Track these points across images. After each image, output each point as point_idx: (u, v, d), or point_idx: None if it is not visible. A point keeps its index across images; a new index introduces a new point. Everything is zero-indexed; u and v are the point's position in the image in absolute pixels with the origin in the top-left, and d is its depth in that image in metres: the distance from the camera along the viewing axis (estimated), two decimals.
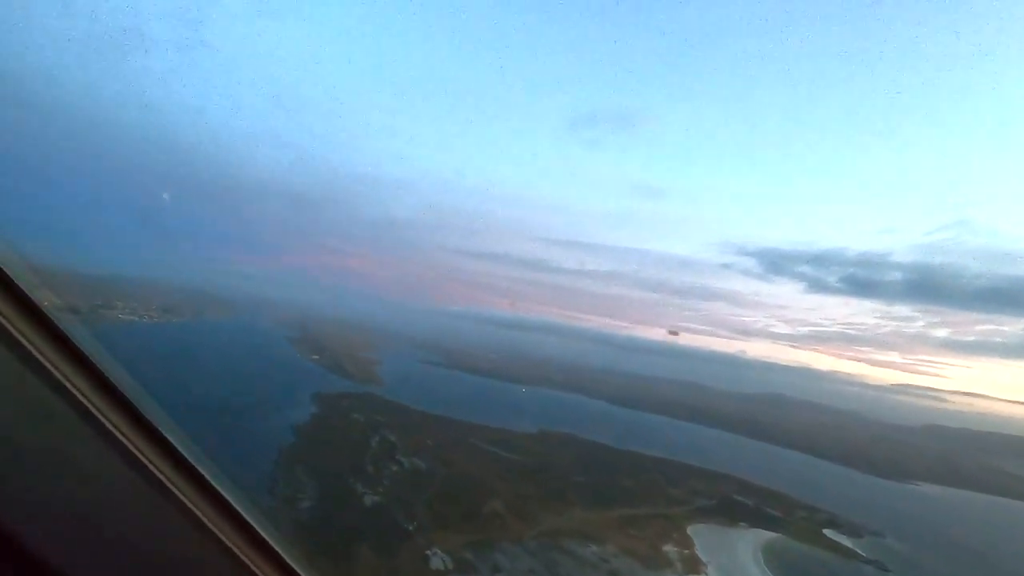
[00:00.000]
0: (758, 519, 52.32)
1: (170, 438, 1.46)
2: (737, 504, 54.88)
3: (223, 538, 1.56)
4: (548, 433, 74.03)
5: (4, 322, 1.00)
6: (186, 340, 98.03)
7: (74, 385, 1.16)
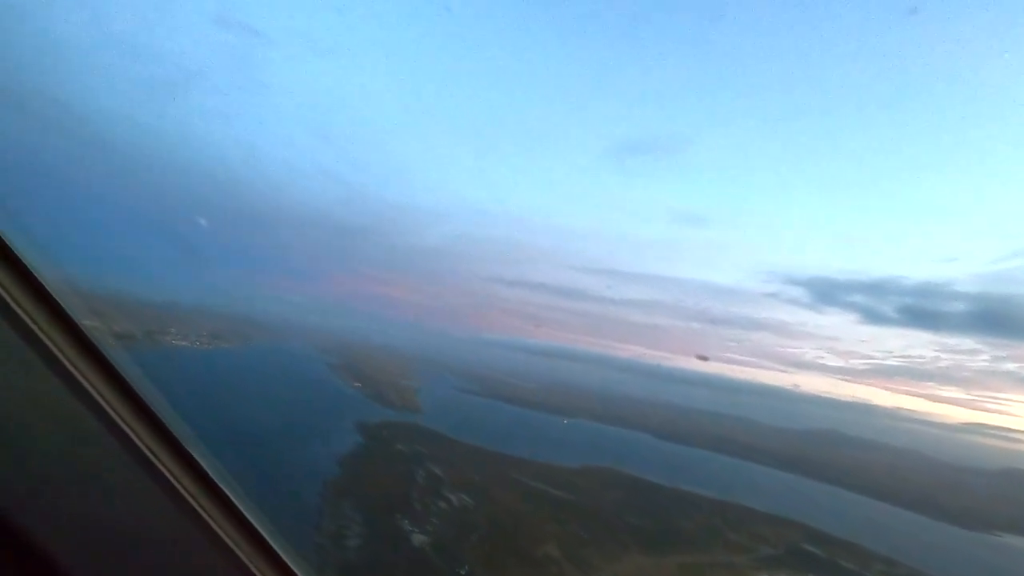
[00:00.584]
0: (832, 572, 47.80)
1: (205, 466, 1.45)
2: (807, 554, 50.38)
3: (248, 564, 1.54)
4: (593, 468, 70.83)
5: (52, 346, 1.00)
6: (234, 366, 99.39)
7: (115, 410, 1.18)
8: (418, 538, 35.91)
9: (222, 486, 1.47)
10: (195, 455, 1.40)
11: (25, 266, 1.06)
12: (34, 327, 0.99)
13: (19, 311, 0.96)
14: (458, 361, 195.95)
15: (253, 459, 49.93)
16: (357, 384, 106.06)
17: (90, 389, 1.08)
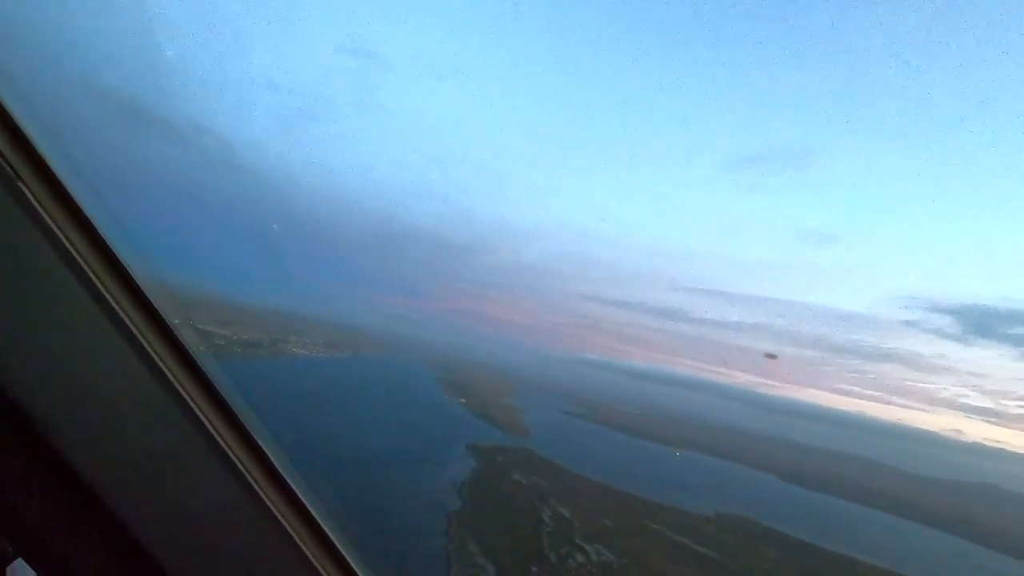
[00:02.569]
0: None
1: (295, 487, 1.43)
2: None
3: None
4: (727, 517, 61.35)
5: (150, 350, 1.05)
6: (347, 376, 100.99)
7: (212, 425, 1.20)
8: None
9: (308, 505, 1.43)
10: (283, 473, 1.36)
11: (129, 273, 1.09)
12: (132, 327, 1.02)
13: (120, 313, 1.00)
14: (559, 382, 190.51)
15: (368, 481, 47.39)
16: (463, 400, 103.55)
17: (184, 394, 1.10)
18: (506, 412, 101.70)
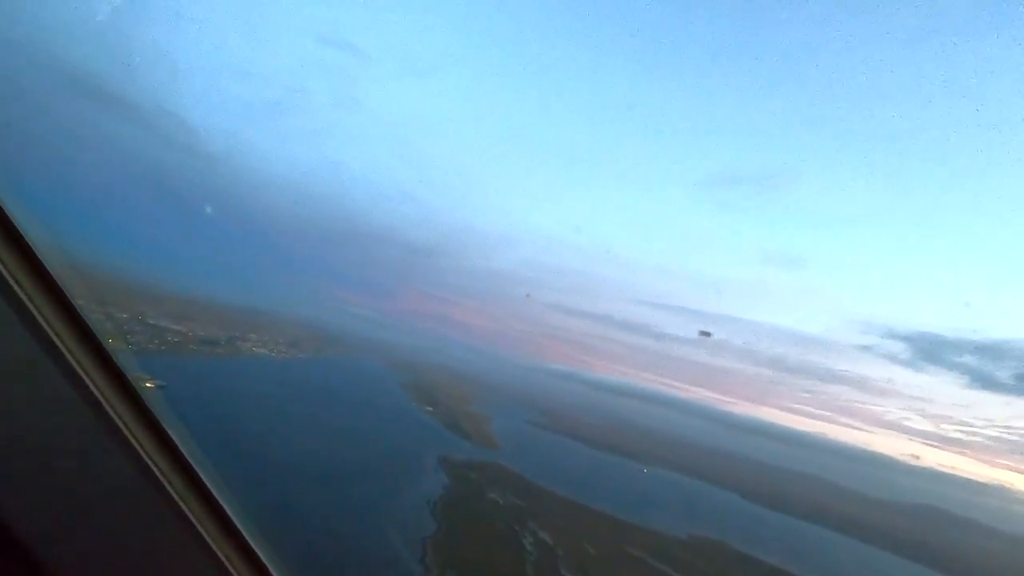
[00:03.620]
0: None
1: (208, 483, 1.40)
2: None
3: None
4: (700, 540, 59.92)
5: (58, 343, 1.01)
6: (310, 379, 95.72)
7: (121, 418, 1.17)
8: None
9: (221, 501, 1.39)
10: (201, 474, 1.34)
11: (45, 268, 1.03)
12: (48, 329, 0.98)
13: (30, 308, 0.96)
14: (521, 390, 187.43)
15: (339, 496, 43.48)
16: (430, 408, 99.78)
17: (99, 395, 1.07)
18: (474, 421, 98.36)
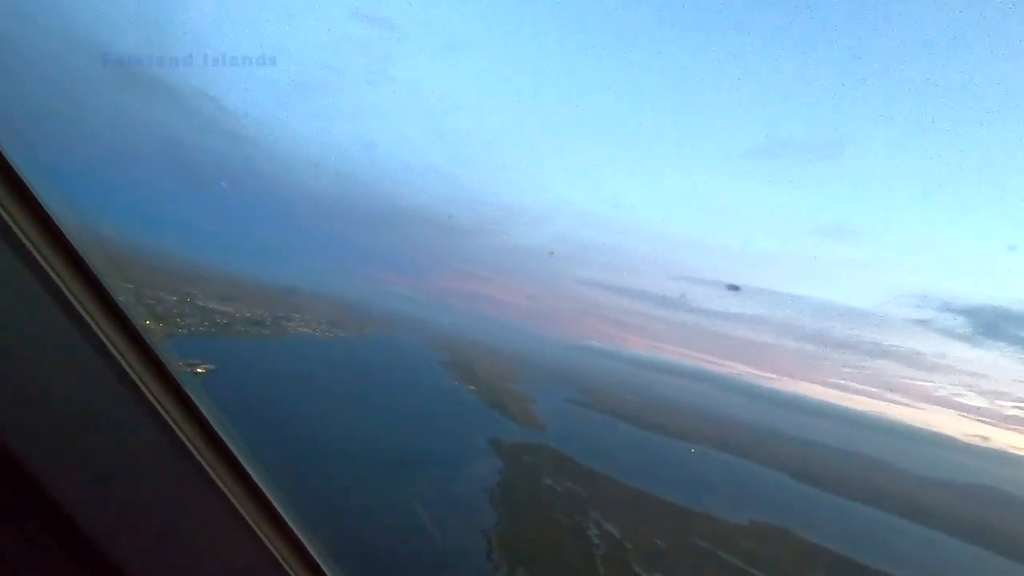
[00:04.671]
0: None
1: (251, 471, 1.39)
2: None
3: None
4: (762, 527, 56.91)
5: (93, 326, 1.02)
6: (355, 359, 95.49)
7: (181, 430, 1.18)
8: None
9: (268, 494, 1.39)
10: (244, 463, 1.33)
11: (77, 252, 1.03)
12: (85, 315, 1.00)
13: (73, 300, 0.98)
14: (560, 368, 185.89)
15: (392, 483, 42.33)
16: (472, 387, 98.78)
17: (143, 388, 1.08)
18: (515, 399, 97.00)
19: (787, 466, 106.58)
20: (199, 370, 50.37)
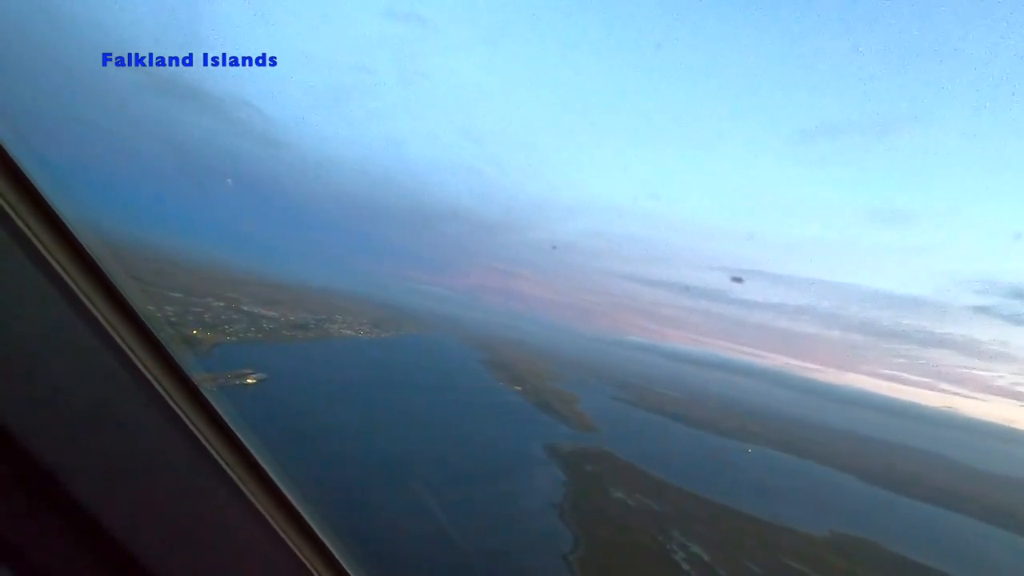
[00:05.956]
0: None
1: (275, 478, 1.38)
2: None
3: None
4: (845, 539, 52.19)
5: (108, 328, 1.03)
6: (398, 361, 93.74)
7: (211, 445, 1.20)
8: None
9: (291, 498, 1.40)
10: (273, 476, 1.34)
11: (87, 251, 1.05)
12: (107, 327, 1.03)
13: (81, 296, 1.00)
14: (599, 364, 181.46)
15: (454, 495, 39.62)
16: (518, 388, 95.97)
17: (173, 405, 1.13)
18: (562, 399, 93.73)
19: (851, 466, 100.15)
20: (250, 380, 49.17)
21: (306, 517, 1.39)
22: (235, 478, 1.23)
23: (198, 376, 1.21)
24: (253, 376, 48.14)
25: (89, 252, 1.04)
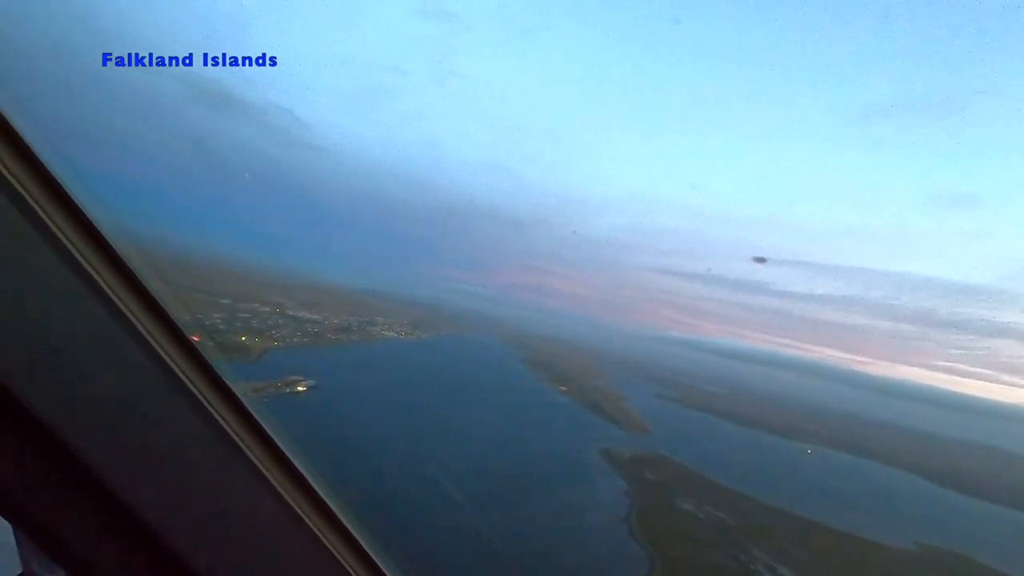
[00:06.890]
0: None
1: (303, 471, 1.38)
2: None
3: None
4: (933, 552, 47.54)
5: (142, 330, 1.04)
6: (441, 362, 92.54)
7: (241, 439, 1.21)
8: None
9: (332, 505, 1.40)
10: (302, 470, 1.34)
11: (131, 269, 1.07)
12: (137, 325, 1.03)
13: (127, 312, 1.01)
14: (639, 360, 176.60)
15: (520, 512, 37.43)
16: (563, 388, 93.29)
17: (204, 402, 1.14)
18: (608, 399, 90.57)
19: (918, 466, 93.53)
20: (300, 388, 48.20)
21: (348, 525, 1.38)
22: (269, 477, 1.24)
23: (240, 384, 1.21)
24: (303, 384, 47.08)
25: (122, 257, 1.05)
